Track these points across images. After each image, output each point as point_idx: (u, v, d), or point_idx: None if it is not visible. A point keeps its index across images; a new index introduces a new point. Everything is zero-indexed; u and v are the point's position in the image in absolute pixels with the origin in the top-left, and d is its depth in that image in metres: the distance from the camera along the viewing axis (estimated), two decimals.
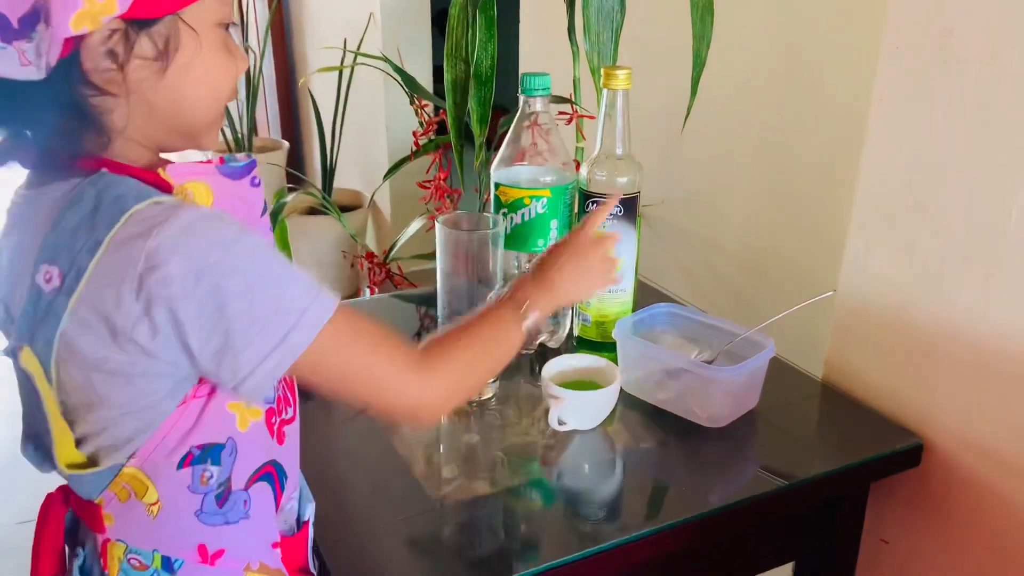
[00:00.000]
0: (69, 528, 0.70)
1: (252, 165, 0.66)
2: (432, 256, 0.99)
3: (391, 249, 1.58)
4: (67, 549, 0.70)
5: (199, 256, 0.56)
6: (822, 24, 1.16)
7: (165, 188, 0.61)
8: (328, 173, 2.85)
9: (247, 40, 3.45)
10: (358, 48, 2.58)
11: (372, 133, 2.76)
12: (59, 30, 0.54)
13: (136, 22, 0.57)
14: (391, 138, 2.64)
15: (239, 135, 3.39)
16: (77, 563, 0.69)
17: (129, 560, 0.65)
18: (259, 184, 0.67)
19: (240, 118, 3.42)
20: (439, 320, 1.00)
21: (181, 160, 0.65)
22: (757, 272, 1.31)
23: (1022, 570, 0.87)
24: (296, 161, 3.70)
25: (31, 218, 0.61)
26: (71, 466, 0.63)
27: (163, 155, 0.66)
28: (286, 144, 3.52)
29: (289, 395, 0.72)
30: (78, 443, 0.63)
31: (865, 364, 1.00)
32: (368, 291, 1.64)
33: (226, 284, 0.56)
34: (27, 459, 0.69)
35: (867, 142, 0.95)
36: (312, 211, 2.75)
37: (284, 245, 2.07)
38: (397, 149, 2.64)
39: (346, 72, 2.48)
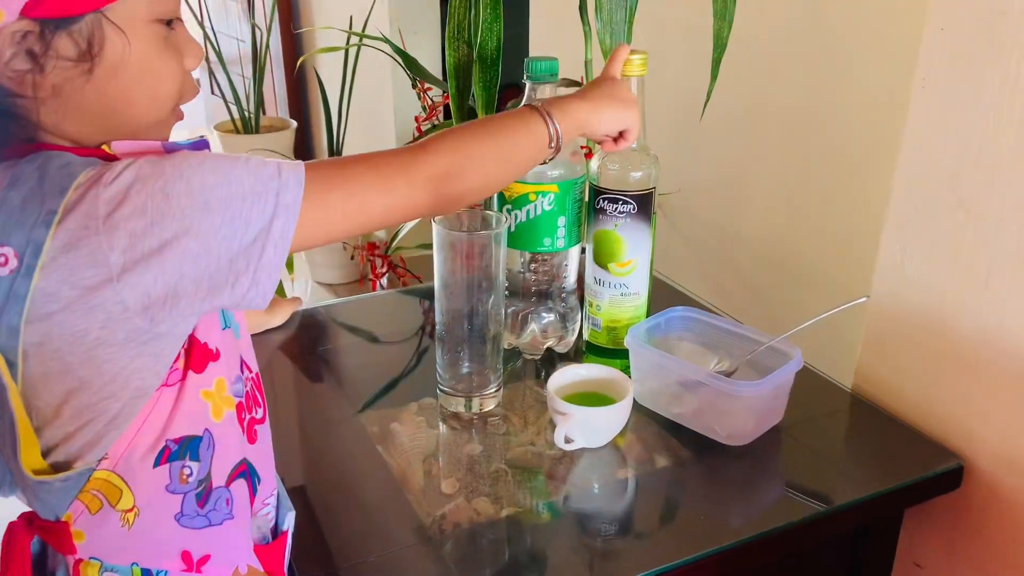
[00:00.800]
0: (36, 559, 0.65)
1: (196, 146, 0.61)
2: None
3: (392, 239, 1.51)
4: None
5: (156, 175, 0.53)
6: (855, 2, 1.06)
7: (112, 159, 0.56)
8: (336, 153, 2.78)
9: (253, 17, 3.37)
10: (364, 24, 2.49)
11: (379, 113, 2.68)
12: None
13: (52, 21, 0.53)
14: (399, 120, 2.57)
15: (246, 113, 3.32)
16: None
17: None
18: None
19: (247, 96, 3.35)
20: (438, 329, 0.93)
21: None
22: (781, 270, 1.23)
23: None
24: (305, 140, 3.63)
25: None
26: (38, 472, 0.58)
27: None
28: (294, 123, 3.45)
29: (258, 395, 0.68)
30: (46, 452, 0.58)
31: (899, 375, 0.93)
32: (370, 285, 1.57)
33: (198, 180, 0.53)
34: (12, 470, 0.63)
35: (906, 133, 0.87)
36: None
37: None
38: (405, 130, 2.56)
39: (352, 51, 2.40)
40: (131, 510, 0.59)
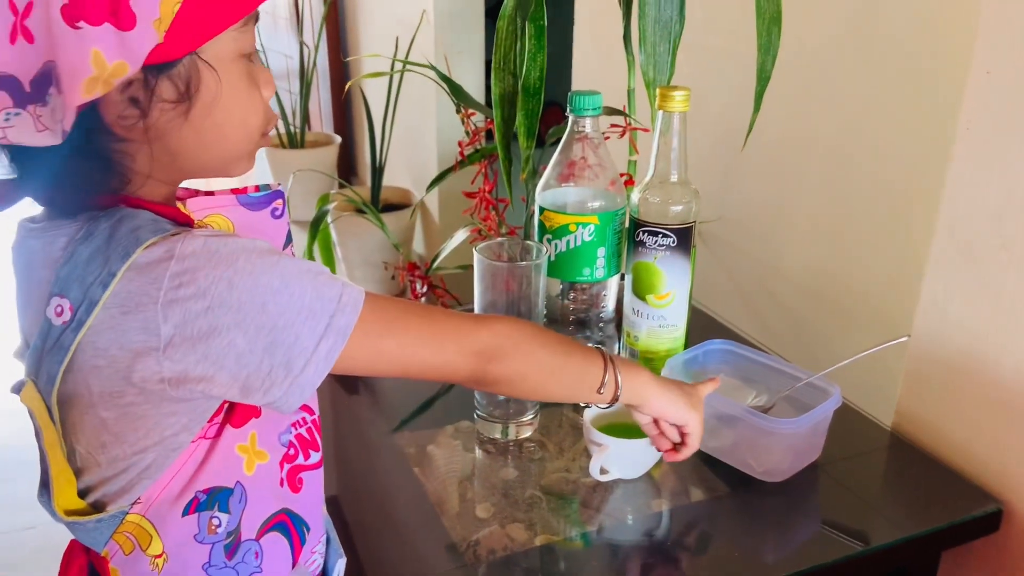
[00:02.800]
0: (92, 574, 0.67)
1: (273, 196, 0.64)
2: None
3: (434, 260, 1.53)
4: None
5: (227, 264, 0.54)
6: (900, 38, 1.06)
7: (185, 222, 0.58)
8: (377, 172, 2.82)
9: (301, 35, 3.43)
10: (410, 45, 2.53)
11: (422, 133, 2.72)
12: (71, 97, 0.51)
13: (154, 67, 0.54)
14: (441, 139, 2.60)
15: (292, 129, 3.38)
16: None
17: None
18: (281, 215, 0.65)
19: (293, 113, 3.42)
20: None
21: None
22: (821, 303, 1.22)
23: None
24: (348, 155, 3.69)
25: (45, 251, 0.58)
26: (70, 512, 0.60)
27: (183, 184, 0.63)
28: (338, 139, 3.50)
29: (317, 437, 0.68)
30: (85, 492, 0.60)
31: (940, 415, 0.92)
32: None
33: (264, 281, 0.54)
34: (43, 507, 0.65)
35: (950, 174, 0.86)
36: (362, 210, 2.73)
37: (326, 252, 2.04)
38: (446, 151, 2.59)
39: (397, 75, 2.44)
40: (160, 555, 0.60)
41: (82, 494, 0.60)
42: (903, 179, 1.08)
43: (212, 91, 0.58)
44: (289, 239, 0.66)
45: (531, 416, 0.95)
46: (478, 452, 0.93)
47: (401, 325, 0.61)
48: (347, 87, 2.67)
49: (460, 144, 1.37)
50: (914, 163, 1.06)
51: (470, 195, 1.44)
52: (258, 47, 0.64)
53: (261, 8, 0.59)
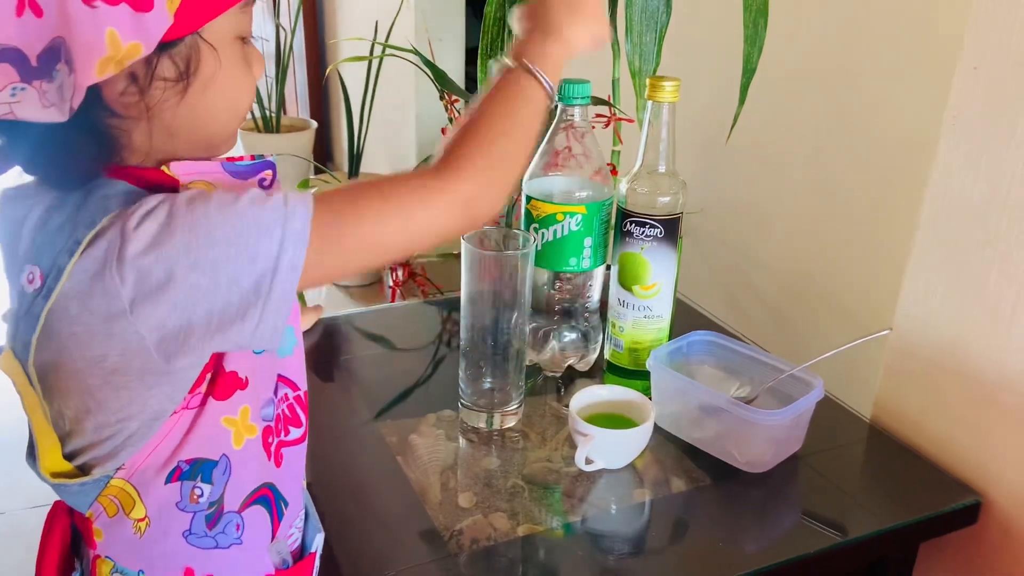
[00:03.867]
0: (75, 539, 0.67)
1: (261, 166, 0.62)
2: (457, 256, 0.93)
3: None
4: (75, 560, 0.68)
5: (166, 212, 0.53)
6: (887, 31, 1.07)
7: (171, 184, 0.57)
8: (355, 157, 2.80)
9: (278, 17, 3.39)
10: (390, 29, 2.51)
11: (401, 119, 2.70)
12: (83, 77, 0.51)
13: (158, 45, 0.54)
14: (420, 126, 2.58)
15: (268, 113, 3.34)
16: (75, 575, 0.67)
17: None
18: (269, 186, 0.62)
19: (269, 96, 3.38)
20: (462, 344, 0.94)
21: None
22: (802, 297, 1.23)
23: None
24: (325, 141, 3.65)
25: (27, 218, 0.58)
26: (56, 475, 0.60)
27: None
28: (314, 124, 3.47)
29: (300, 414, 0.67)
30: (72, 455, 0.59)
31: (919, 408, 0.93)
32: (390, 292, 1.58)
33: (202, 214, 0.53)
34: (31, 469, 0.64)
35: (934, 169, 0.87)
36: None
37: None
38: (425, 137, 2.58)
39: (377, 59, 2.41)
40: (143, 520, 0.61)
41: (69, 457, 0.59)
42: (886, 174, 1.09)
43: (210, 71, 0.57)
44: None
45: (515, 406, 0.94)
46: (461, 441, 0.93)
47: (356, 207, 0.58)
48: (328, 71, 2.63)
49: (443, 131, 1.35)
50: (897, 158, 1.07)
51: None
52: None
53: None
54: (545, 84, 0.67)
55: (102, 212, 0.54)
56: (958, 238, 0.86)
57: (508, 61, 0.68)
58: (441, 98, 1.39)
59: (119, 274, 0.52)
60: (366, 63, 2.62)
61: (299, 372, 0.67)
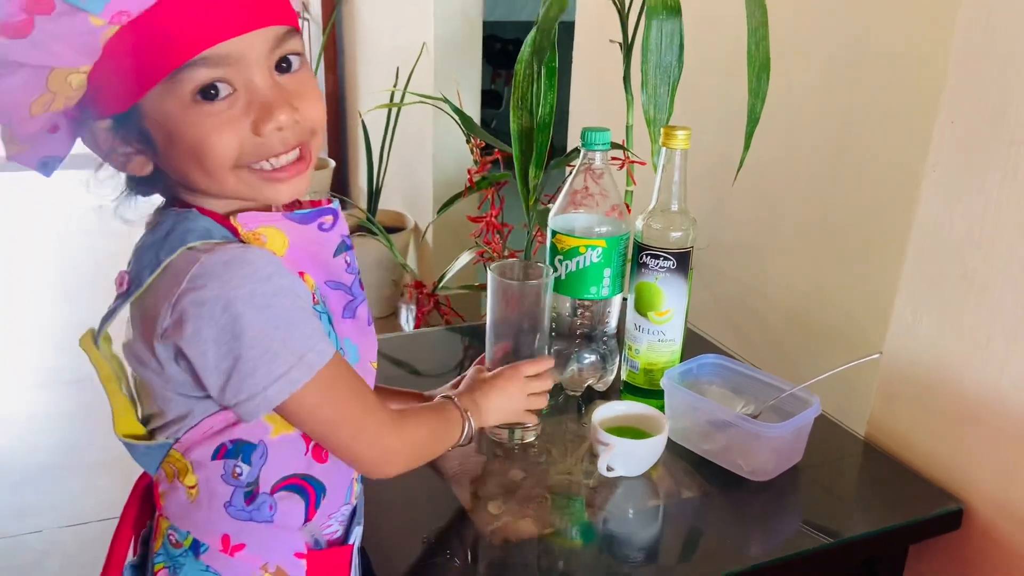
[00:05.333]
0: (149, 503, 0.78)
1: (320, 213, 0.72)
2: (479, 288, 1.02)
3: (440, 280, 1.63)
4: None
5: (233, 285, 0.62)
6: (876, 87, 1.18)
7: (234, 231, 0.68)
8: (374, 195, 2.92)
9: None
10: (410, 75, 2.64)
11: (419, 159, 2.81)
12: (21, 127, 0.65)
13: (115, 117, 0.65)
14: (437, 166, 2.70)
15: None
16: (144, 532, 0.78)
17: (169, 536, 0.73)
18: (329, 229, 0.73)
19: None
20: (487, 359, 1.03)
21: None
22: (802, 325, 1.33)
23: None
24: (342, 179, 3.78)
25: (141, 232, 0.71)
26: (128, 436, 0.71)
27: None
28: (332, 163, 3.59)
29: None
30: (144, 421, 0.72)
31: (908, 426, 1.02)
32: (414, 320, 1.68)
33: (248, 315, 0.62)
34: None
35: (918, 210, 0.98)
36: (353, 230, 2.81)
37: None
38: (442, 177, 2.69)
39: (398, 100, 2.54)
40: (193, 488, 0.71)
41: (144, 422, 0.72)
42: (876, 214, 1.19)
43: (164, 133, 0.65)
44: (343, 248, 0.74)
45: (536, 422, 1.02)
46: (488, 455, 1.01)
47: (341, 401, 0.69)
48: (364, 114, 2.76)
49: (469, 171, 1.47)
50: (886, 201, 1.18)
51: (475, 219, 1.54)
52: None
53: None
54: (467, 427, 0.85)
55: (180, 243, 0.65)
56: (940, 272, 0.96)
57: (454, 396, 0.88)
58: (468, 141, 1.51)
59: (171, 307, 0.63)
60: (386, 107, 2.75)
61: (370, 378, 0.76)
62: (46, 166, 0.71)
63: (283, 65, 0.66)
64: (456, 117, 1.47)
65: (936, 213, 0.96)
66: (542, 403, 0.95)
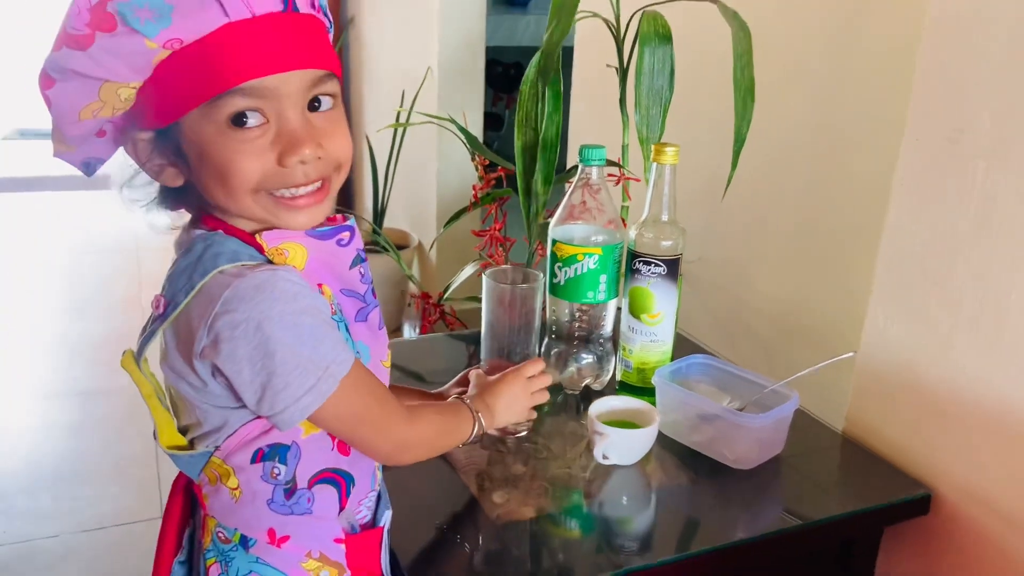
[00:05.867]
0: (190, 504, 0.85)
1: (338, 230, 0.78)
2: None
3: (446, 291, 1.71)
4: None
5: (263, 308, 0.68)
6: (850, 111, 1.28)
7: (259, 249, 0.74)
8: (379, 214, 3.01)
9: None
10: (415, 98, 2.74)
11: (423, 179, 2.91)
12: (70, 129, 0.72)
13: (157, 132, 0.72)
14: (441, 186, 2.79)
15: None
16: (189, 530, 0.85)
17: (218, 534, 0.79)
18: (347, 244, 0.79)
19: None
20: (482, 359, 1.11)
21: None
22: (784, 331, 1.42)
23: None
24: (346, 196, 3.88)
25: (177, 253, 0.77)
26: (171, 447, 0.78)
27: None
28: None
29: None
30: (183, 430, 0.78)
31: (882, 420, 1.11)
32: (419, 328, 1.76)
33: (278, 335, 0.69)
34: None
35: (888, 220, 1.07)
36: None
37: None
38: (446, 197, 2.79)
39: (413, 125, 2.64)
40: (236, 489, 0.77)
41: (183, 432, 0.78)
42: (852, 226, 1.28)
43: (195, 152, 0.71)
44: (358, 260, 0.80)
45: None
46: (492, 450, 1.07)
47: (360, 402, 0.77)
48: (376, 133, 2.86)
49: (474, 187, 1.56)
50: (860, 213, 1.26)
51: (479, 233, 1.62)
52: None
53: None
54: (477, 426, 0.92)
55: (212, 266, 0.70)
56: (907, 278, 1.05)
57: (466, 399, 0.95)
58: (472, 159, 1.60)
59: (207, 327, 0.69)
60: (391, 128, 2.85)
61: (384, 377, 0.83)
62: (88, 166, 0.78)
63: (315, 104, 0.72)
64: (462, 136, 1.56)
65: (903, 223, 1.05)
66: (544, 398, 1.02)
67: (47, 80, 0.68)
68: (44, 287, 3.48)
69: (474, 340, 1.42)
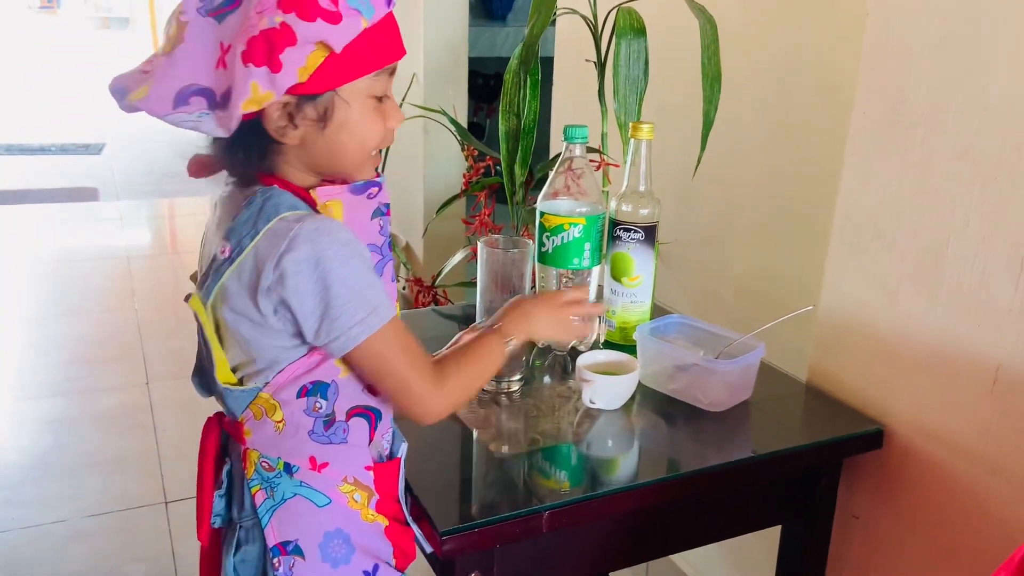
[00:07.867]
0: (222, 444, 0.95)
1: (369, 185, 0.90)
2: (472, 284, 1.21)
3: (438, 275, 1.82)
4: (221, 459, 0.95)
5: (322, 247, 0.80)
6: (809, 91, 1.40)
7: (311, 203, 0.86)
8: None
9: None
10: (401, 103, 2.85)
11: (410, 179, 3.01)
12: (235, 110, 0.79)
13: (304, 96, 0.82)
14: (427, 185, 2.90)
15: None
16: (226, 468, 0.94)
17: (261, 464, 0.89)
18: (373, 197, 0.90)
19: None
20: (478, 320, 1.22)
21: None
22: (751, 297, 1.54)
23: (963, 536, 1.08)
24: None
25: (227, 207, 0.87)
26: (226, 383, 0.88)
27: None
28: None
29: None
30: (233, 369, 0.88)
31: (840, 367, 1.23)
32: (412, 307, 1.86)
33: (335, 270, 0.80)
34: (194, 386, 0.95)
35: (841, 187, 1.19)
36: None
37: None
38: (432, 196, 2.89)
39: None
40: (281, 422, 0.87)
41: (233, 370, 0.88)
42: (813, 198, 1.41)
43: (343, 118, 0.83)
44: (378, 213, 0.91)
45: (519, 376, 1.20)
46: (489, 407, 1.16)
47: (401, 347, 0.86)
48: None
49: (465, 175, 1.67)
50: (819, 185, 1.39)
51: (468, 221, 1.74)
52: None
53: None
54: (507, 352, 0.98)
55: (274, 213, 0.82)
56: (859, 236, 1.17)
57: (495, 320, 1.01)
58: (462, 149, 1.71)
59: (273, 265, 0.80)
60: None
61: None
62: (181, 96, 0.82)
63: None
64: (452, 127, 1.68)
65: (854, 188, 1.17)
66: (584, 331, 1.10)
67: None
68: (42, 293, 3.56)
69: (461, 316, 1.52)
